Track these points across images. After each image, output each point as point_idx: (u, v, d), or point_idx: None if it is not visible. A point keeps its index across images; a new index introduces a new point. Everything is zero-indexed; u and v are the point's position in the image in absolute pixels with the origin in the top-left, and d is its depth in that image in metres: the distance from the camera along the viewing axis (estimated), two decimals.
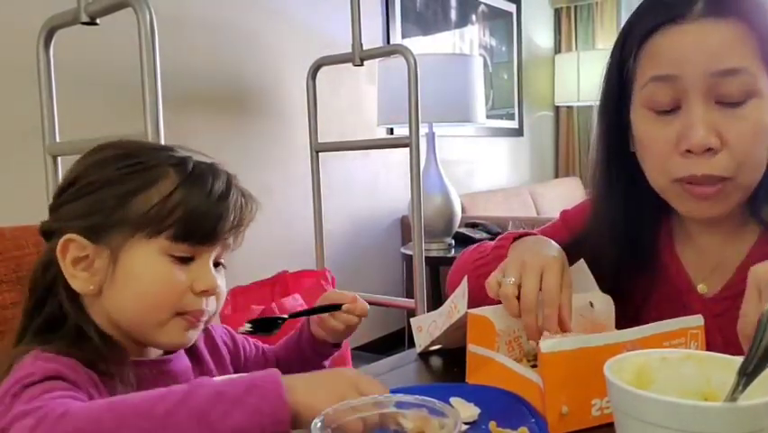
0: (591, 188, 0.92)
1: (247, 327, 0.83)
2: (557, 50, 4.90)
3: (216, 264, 0.73)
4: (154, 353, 0.75)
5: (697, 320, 0.70)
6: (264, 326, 0.84)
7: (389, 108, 2.65)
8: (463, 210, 2.94)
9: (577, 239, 0.89)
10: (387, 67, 2.62)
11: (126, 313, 0.70)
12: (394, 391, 0.64)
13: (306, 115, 2.21)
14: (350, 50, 2.06)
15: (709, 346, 0.69)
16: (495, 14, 4.12)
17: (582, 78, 4.47)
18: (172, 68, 1.83)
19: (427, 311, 1.58)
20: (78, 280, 0.69)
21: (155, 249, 0.68)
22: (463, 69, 2.69)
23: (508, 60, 4.32)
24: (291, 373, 0.57)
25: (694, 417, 0.44)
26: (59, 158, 1.56)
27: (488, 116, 3.29)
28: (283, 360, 0.90)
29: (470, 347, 0.77)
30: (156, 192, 0.68)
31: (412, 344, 0.93)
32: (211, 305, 0.73)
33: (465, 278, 0.81)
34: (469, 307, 0.78)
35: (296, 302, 1.79)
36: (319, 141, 2.22)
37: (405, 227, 3.22)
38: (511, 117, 4.38)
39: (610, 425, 0.51)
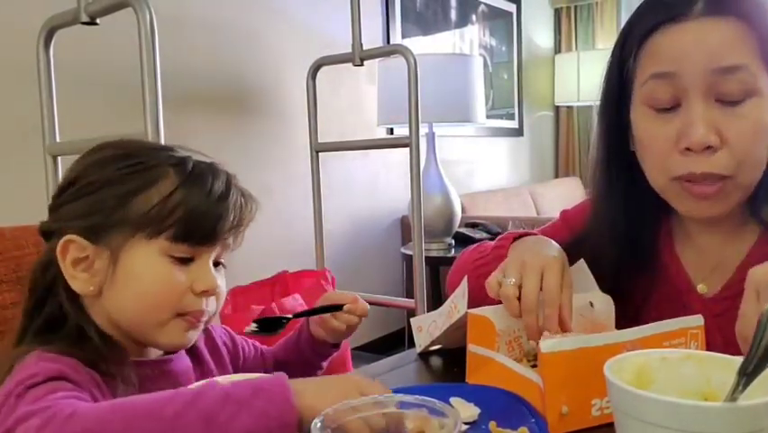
0: (591, 188, 0.92)
1: (253, 326, 0.83)
2: (557, 50, 4.90)
3: (216, 264, 0.73)
4: (154, 353, 0.75)
5: (697, 320, 0.70)
6: (269, 325, 0.84)
7: (389, 108, 2.65)
8: (463, 210, 2.94)
9: (577, 239, 0.89)
10: (387, 67, 2.62)
11: (126, 314, 0.70)
12: (394, 392, 0.64)
13: (306, 115, 2.21)
14: (350, 50, 2.06)
15: (709, 346, 0.69)
16: (495, 14, 4.12)
17: (582, 78, 4.47)
18: (172, 68, 1.83)
19: (427, 311, 1.58)
20: (78, 281, 0.69)
21: (155, 250, 0.68)
22: (463, 69, 2.69)
23: (508, 60, 4.32)
24: (289, 374, 0.57)
25: (694, 417, 0.44)
26: (59, 158, 1.56)
27: (488, 116, 3.29)
28: (281, 361, 0.90)
29: (471, 347, 0.77)
30: (156, 192, 0.68)
31: (412, 344, 0.93)
32: (211, 305, 0.73)
33: (465, 278, 0.81)
34: (469, 307, 0.78)
35: (296, 302, 1.79)
36: (319, 141, 2.22)
37: (405, 227, 3.22)
38: (511, 117, 4.38)
39: (610, 425, 0.51)
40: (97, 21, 1.46)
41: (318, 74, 2.20)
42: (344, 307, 0.83)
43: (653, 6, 0.79)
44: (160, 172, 0.69)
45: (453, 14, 3.70)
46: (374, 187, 3.14)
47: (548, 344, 0.63)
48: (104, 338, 0.69)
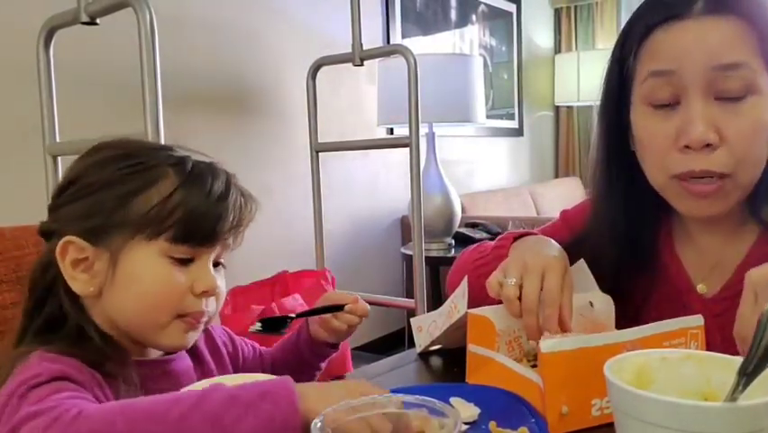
0: (591, 188, 0.92)
1: (257, 325, 0.83)
2: (557, 50, 4.90)
3: (216, 264, 0.73)
4: (155, 353, 0.75)
5: (697, 320, 0.70)
6: (273, 325, 0.85)
7: (389, 108, 2.65)
8: (463, 210, 2.94)
9: (577, 239, 0.89)
10: (387, 67, 2.62)
11: (127, 315, 0.70)
12: (394, 391, 0.64)
13: (306, 115, 2.21)
14: (350, 50, 2.06)
15: (709, 346, 0.69)
16: (495, 14, 4.12)
17: (582, 78, 4.47)
18: (172, 68, 1.83)
19: (427, 311, 1.58)
20: (78, 282, 0.69)
21: (155, 251, 0.68)
22: (463, 69, 2.69)
23: (508, 60, 4.32)
24: (287, 375, 0.58)
25: (694, 417, 0.44)
26: (59, 158, 1.55)
27: (488, 116, 3.29)
28: (280, 361, 0.90)
29: (471, 347, 0.77)
30: (156, 193, 0.68)
31: (412, 344, 0.93)
32: (211, 305, 0.73)
33: (465, 278, 0.81)
34: (469, 307, 0.78)
35: (296, 302, 1.79)
36: (319, 141, 2.22)
37: (405, 227, 3.22)
38: (511, 117, 4.38)
39: (610, 425, 0.51)
40: (97, 21, 1.46)
41: (318, 74, 2.20)
42: (345, 307, 0.83)
43: (654, 5, 0.79)
44: (160, 173, 0.69)
45: (453, 14, 3.70)
46: (374, 187, 3.14)
47: (548, 344, 0.63)
48: (104, 338, 0.69)
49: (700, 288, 0.84)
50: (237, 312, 1.80)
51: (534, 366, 0.73)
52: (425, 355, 0.91)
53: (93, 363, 0.65)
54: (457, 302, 0.82)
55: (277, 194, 2.57)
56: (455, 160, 3.61)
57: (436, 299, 2.68)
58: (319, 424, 0.48)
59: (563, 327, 0.72)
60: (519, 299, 0.73)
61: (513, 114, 4.39)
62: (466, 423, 0.63)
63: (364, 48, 2.05)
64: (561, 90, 4.70)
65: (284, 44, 2.65)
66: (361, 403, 0.52)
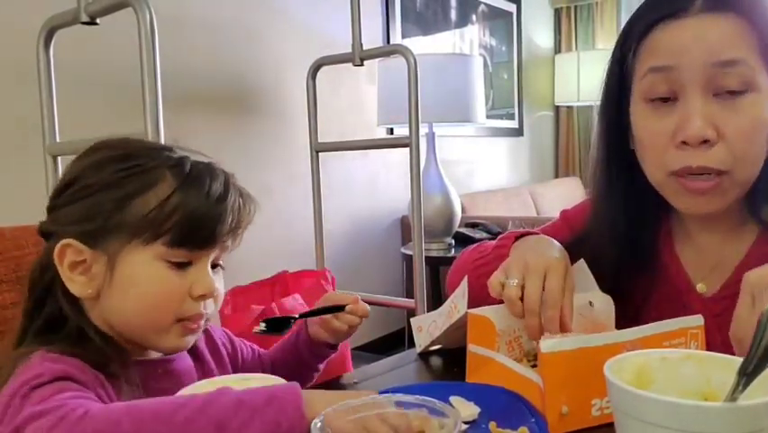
0: (591, 187, 0.92)
1: (262, 326, 0.83)
2: (557, 50, 4.90)
3: (214, 266, 0.73)
4: (156, 353, 0.75)
5: (697, 320, 0.70)
6: (277, 325, 0.85)
7: (389, 108, 2.65)
8: (463, 210, 2.94)
9: (577, 239, 0.89)
10: (387, 67, 2.62)
11: (125, 317, 0.70)
12: (393, 390, 0.64)
13: (306, 114, 2.21)
14: (350, 50, 2.05)
15: (709, 346, 0.69)
16: (495, 14, 4.12)
17: (582, 78, 4.47)
18: (172, 68, 1.83)
19: (427, 311, 1.58)
20: (76, 285, 0.68)
21: (152, 255, 0.68)
22: (463, 69, 2.69)
23: (508, 60, 4.32)
24: (286, 376, 0.58)
25: (694, 417, 0.44)
26: (59, 158, 1.55)
27: (488, 116, 3.29)
28: (279, 362, 0.90)
29: (471, 347, 0.77)
30: (153, 196, 0.67)
31: (412, 344, 0.93)
32: (209, 307, 0.73)
33: (465, 278, 0.81)
34: (469, 306, 0.78)
35: (296, 302, 1.79)
36: (319, 141, 2.22)
37: (405, 227, 3.22)
38: (511, 117, 4.38)
39: (610, 425, 0.51)
40: (97, 21, 1.46)
41: (318, 74, 2.20)
42: (346, 307, 0.83)
43: (654, 4, 0.80)
44: (158, 175, 0.68)
45: (453, 14, 3.70)
46: (374, 187, 3.14)
47: (548, 344, 0.63)
48: (104, 339, 0.69)
49: (700, 287, 0.84)
50: (237, 312, 1.80)
51: (534, 366, 0.73)
52: (425, 355, 0.91)
53: (95, 364, 0.65)
54: (457, 302, 0.82)
55: (277, 194, 2.57)
56: (455, 160, 3.61)
57: (436, 299, 2.68)
58: (319, 424, 0.48)
59: (564, 328, 0.72)
60: (521, 299, 0.73)
61: (513, 114, 4.39)
62: (466, 422, 0.63)
63: (364, 48, 2.05)
64: (561, 90, 4.70)
65: (284, 44, 2.65)
66: (360, 403, 0.52)
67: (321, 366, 0.90)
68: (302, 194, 2.44)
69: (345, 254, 2.93)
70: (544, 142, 4.88)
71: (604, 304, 0.80)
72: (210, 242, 0.70)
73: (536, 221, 2.77)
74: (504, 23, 4.25)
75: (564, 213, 1.00)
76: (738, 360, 0.46)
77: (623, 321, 0.78)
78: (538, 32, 4.71)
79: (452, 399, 0.67)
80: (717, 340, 0.72)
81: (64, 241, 0.67)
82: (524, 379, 0.68)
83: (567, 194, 4.14)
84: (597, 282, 0.82)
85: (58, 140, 1.56)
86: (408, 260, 2.64)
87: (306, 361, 0.88)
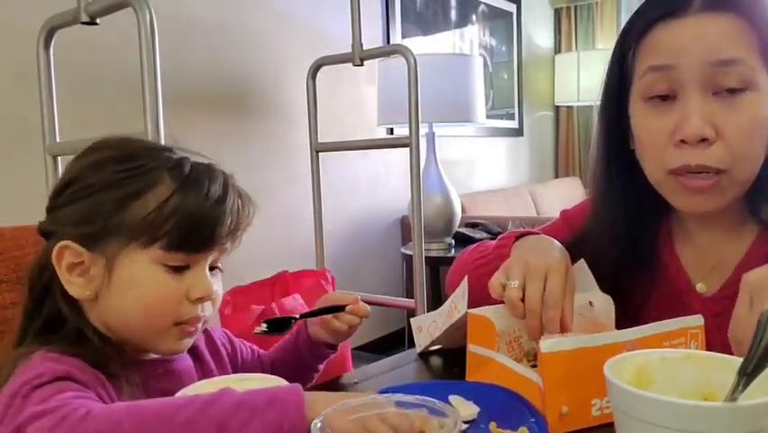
0: (591, 187, 0.92)
1: (263, 326, 0.83)
2: (557, 50, 4.90)
3: (212, 268, 0.73)
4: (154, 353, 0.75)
5: (697, 320, 0.70)
6: (278, 326, 0.85)
7: (389, 108, 2.65)
8: (463, 210, 2.94)
9: (577, 239, 0.89)
10: (387, 67, 2.62)
11: (123, 320, 0.69)
12: (392, 390, 0.64)
13: (307, 115, 2.21)
14: (350, 50, 2.05)
15: (709, 346, 0.69)
16: (495, 14, 4.12)
17: (582, 78, 4.47)
18: (172, 68, 1.83)
19: (427, 311, 1.58)
20: (75, 286, 0.68)
21: (150, 259, 0.67)
22: (463, 69, 2.69)
23: (508, 60, 4.32)
24: (285, 376, 0.58)
25: (694, 417, 0.44)
26: (59, 158, 1.55)
27: (488, 116, 3.29)
28: (279, 362, 0.90)
29: (471, 347, 0.77)
30: (152, 198, 0.67)
31: (412, 344, 0.93)
32: (207, 310, 0.73)
33: (465, 278, 0.81)
34: (469, 306, 0.78)
35: (296, 302, 1.79)
36: (319, 141, 2.22)
37: (405, 227, 3.22)
38: (511, 117, 4.38)
39: (610, 425, 0.51)
40: (97, 21, 1.46)
41: (318, 74, 2.20)
42: (346, 307, 0.83)
43: (653, 3, 0.80)
44: (157, 176, 0.68)
45: (453, 14, 3.70)
46: (374, 187, 3.14)
47: (548, 344, 0.63)
48: (103, 340, 0.69)
49: (700, 287, 0.84)
50: (237, 312, 1.80)
51: (534, 366, 0.73)
52: (425, 355, 0.91)
53: (95, 364, 0.65)
54: (457, 302, 0.82)
55: (277, 194, 2.57)
56: (455, 160, 3.61)
57: (436, 299, 2.68)
58: (319, 424, 0.48)
59: (564, 328, 0.72)
60: (522, 301, 0.73)
61: (513, 114, 4.39)
62: (465, 421, 0.63)
63: (364, 48, 2.05)
64: (561, 90, 4.70)
65: (284, 44, 2.65)
66: (360, 403, 0.52)
67: (321, 367, 0.90)
68: (302, 194, 2.44)
69: (345, 254, 2.93)
70: (544, 142, 4.88)
71: (604, 304, 0.80)
72: (208, 244, 0.70)
73: (536, 221, 2.77)
74: (504, 23, 4.25)
75: (564, 213, 1.00)
76: (738, 360, 0.46)
77: (623, 321, 0.78)
78: (538, 32, 4.71)
79: (452, 398, 0.67)
80: (717, 340, 0.72)
81: (62, 243, 0.67)
82: (524, 379, 0.68)
83: (567, 194, 4.14)
84: (597, 282, 0.82)
85: (58, 140, 1.56)
86: (408, 260, 2.64)
87: (305, 361, 0.88)
